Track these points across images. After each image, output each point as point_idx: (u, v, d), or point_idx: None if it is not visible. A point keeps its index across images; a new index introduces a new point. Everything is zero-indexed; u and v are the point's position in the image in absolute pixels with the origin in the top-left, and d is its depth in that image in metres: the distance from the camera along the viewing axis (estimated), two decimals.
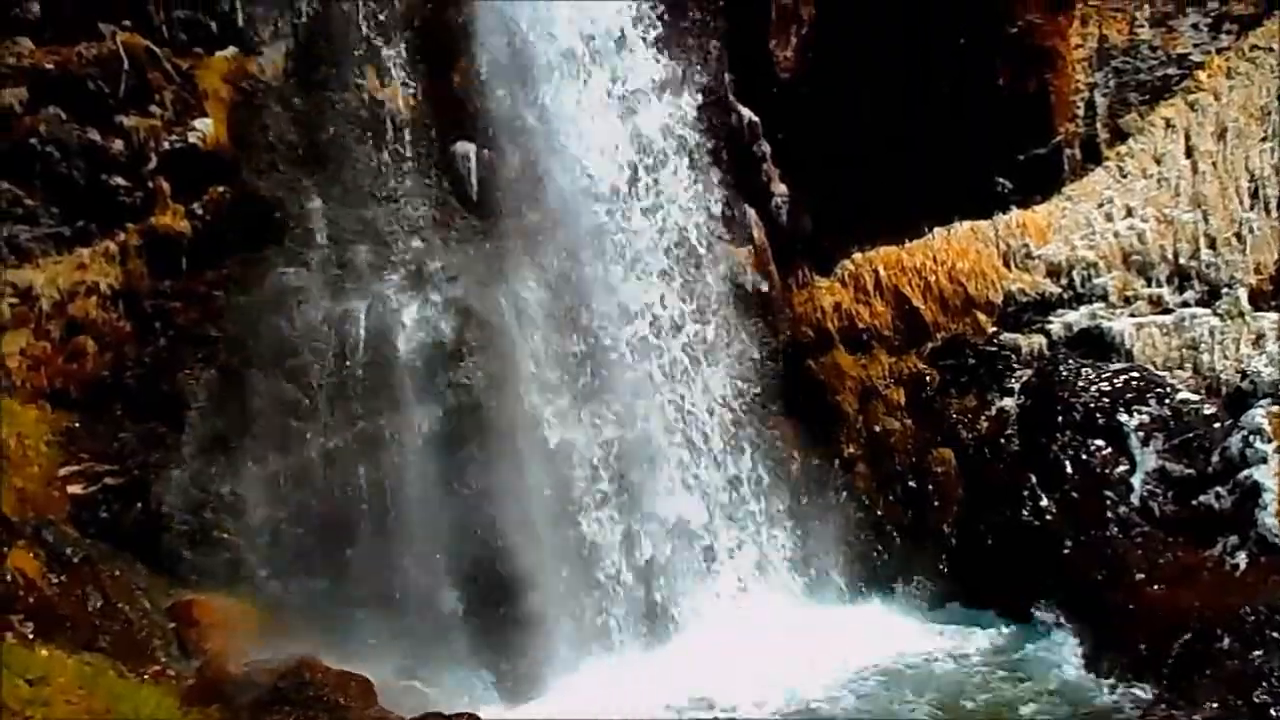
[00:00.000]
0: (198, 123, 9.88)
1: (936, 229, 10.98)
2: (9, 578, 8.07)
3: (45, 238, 9.81)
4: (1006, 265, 10.81)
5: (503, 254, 10.34)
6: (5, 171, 9.72)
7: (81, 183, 9.75)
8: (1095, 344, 10.43)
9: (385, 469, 9.83)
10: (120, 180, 9.80)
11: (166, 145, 9.85)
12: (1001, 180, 11.05)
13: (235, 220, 9.89)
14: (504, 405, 9.96)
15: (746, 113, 11.26)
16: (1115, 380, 10.13)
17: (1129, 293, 10.55)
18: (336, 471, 9.78)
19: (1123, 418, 9.92)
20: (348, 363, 9.87)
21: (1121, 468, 9.85)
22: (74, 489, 9.59)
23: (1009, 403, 10.47)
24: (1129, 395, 10.02)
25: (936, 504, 10.48)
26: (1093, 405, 10.04)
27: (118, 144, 9.79)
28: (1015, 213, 10.97)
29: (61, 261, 9.82)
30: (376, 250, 10.10)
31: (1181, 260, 10.47)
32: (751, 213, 11.09)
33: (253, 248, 9.91)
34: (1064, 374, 10.25)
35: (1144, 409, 9.96)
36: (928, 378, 10.80)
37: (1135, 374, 10.14)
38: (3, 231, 9.77)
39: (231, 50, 9.96)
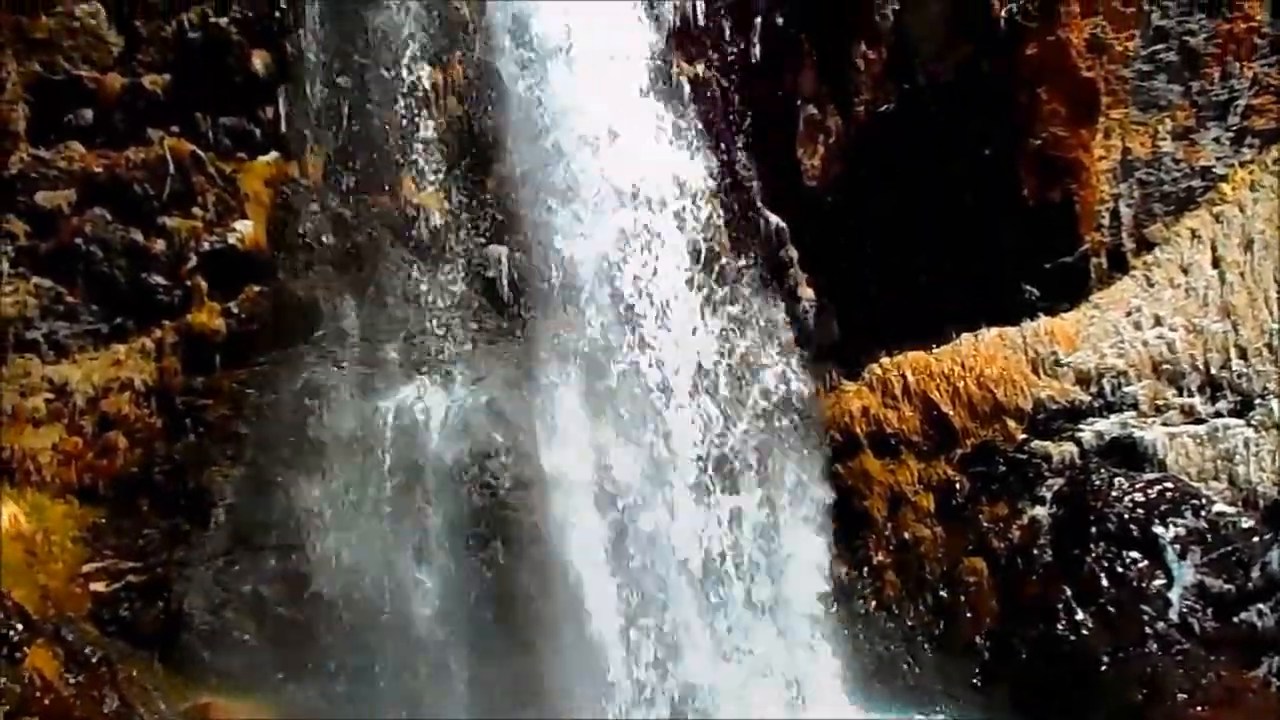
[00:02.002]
0: (237, 224, 9.50)
1: (964, 335, 10.28)
2: (27, 678, 7.36)
3: (84, 334, 9.44)
4: (1035, 372, 10.05)
5: (533, 356, 9.67)
6: (49, 270, 9.29)
7: (122, 281, 9.42)
8: (1127, 453, 9.61)
9: (408, 571, 9.06)
10: (160, 279, 9.43)
11: (206, 245, 9.52)
12: (1028, 288, 10.38)
13: (269, 319, 9.49)
14: (530, 508, 9.16)
15: (774, 219, 10.67)
16: (1149, 491, 9.30)
17: (1160, 402, 9.74)
18: (360, 573, 8.99)
19: (1158, 530, 9.07)
20: (374, 462, 9.20)
21: (1159, 582, 8.99)
22: (96, 586, 9.03)
23: (1041, 512, 9.61)
24: (1164, 507, 9.20)
25: (968, 615, 9.58)
26: (1127, 516, 9.20)
27: (159, 244, 9.46)
28: (1043, 320, 10.26)
29: (98, 357, 9.43)
30: (407, 350, 9.62)
31: (1213, 370, 9.68)
32: (780, 314, 10.38)
33: (285, 346, 9.49)
34: (1096, 484, 9.42)
35: (1180, 521, 9.12)
36: (957, 485, 9.98)
37: (1169, 485, 9.33)
38: (43, 328, 9.26)
39: (273, 155, 9.66)
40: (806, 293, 10.91)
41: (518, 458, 9.55)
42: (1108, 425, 9.86)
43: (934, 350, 10.42)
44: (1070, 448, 9.88)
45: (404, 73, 9.74)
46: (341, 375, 9.48)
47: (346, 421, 9.37)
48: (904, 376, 10.39)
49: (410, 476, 9.39)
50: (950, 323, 10.49)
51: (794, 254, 10.88)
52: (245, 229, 9.53)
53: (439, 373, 9.65)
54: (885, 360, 10.54)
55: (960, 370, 10.24)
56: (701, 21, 10.85)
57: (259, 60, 9.57)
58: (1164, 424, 9.73)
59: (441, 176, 9.90)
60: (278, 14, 9.58)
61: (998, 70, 10.45)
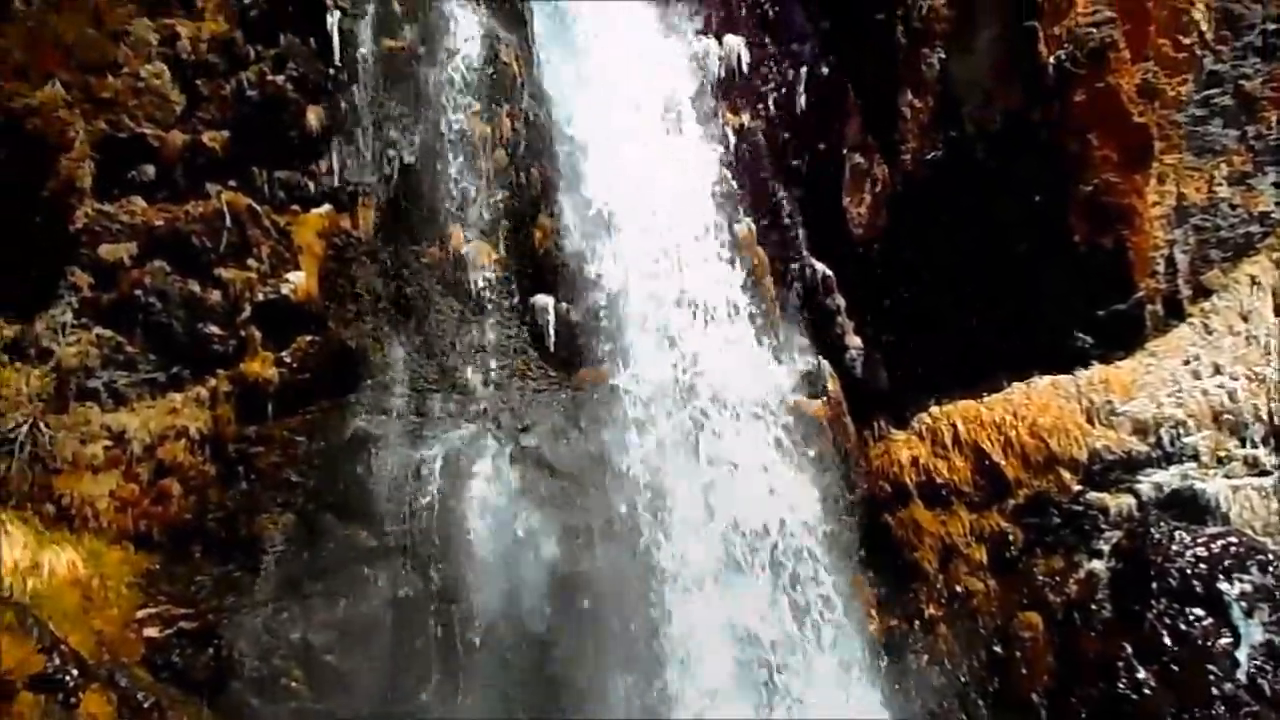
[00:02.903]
0: (290, 275, 9.39)
1: (1016, 383, 9.82)
2: None
3: (142, 383, 9.37)
4: (1090, 422, 9.54)
5: (579, 405, 9.40)
6: (110, 320, 9.27)
7: (179, 331, 9.35)
8: (1188, 506, 9.04)
9: (456, 619, 8.83)
10: (215, 329, 9.33)
11: (260, 296, 9.41)
12: (1082, 335, 9.91)
13: (320, 368, 9.32)
14: (578, 559, 8.83)
15: (820, 267, 10.34)
16: (1212, 545, 8.73)
17: (1222, 453, 9.17)
18: (407, 621, 8.78)
19: (1223, 586, 8.50)
20: (421, 511, 8.97)
21: (1225, 640, 8.42)
22: (150, 632, 8.85)
23: (1099, 565, 9.06)
24: (1228, 562, 8.62)
25: (1024, 672, 9.03)
26: (1189, 572, 8.63)
27: (215, 295, 9.37)
28: (1097, 368, 9.77)
29: (155, 406, 9.33)
30: (454, 399, 9.41)
31: (1277, 420, 9.08)
32: (826, 366, 10.01)
33: (335, 395, 9.31)
34: (1156, 537, 8.86)
35: (1245, 577, 8.54)
36: (1011, 536, 9.46)
37: (1234, 539, 8.75)
38: (103, 377, 9.22)
39: (326, 207, 9.58)
40: (853, 341, 10.54)
41: (565, 508, 9.21)
42: (1167, 477, 9.30)
43: (985, 399, 9.96)
44: (1128, 500, 9.33)
45: (454, 126, 9.59)
46: (390, 424, 9.28)
47: (395, 470, 9.11)
48: (954, 425, 9.94)
49: (457, 527, 9.06)
50: (1001, 371, 10.05)
51: (840, 302, 10.53)
52: (298, 280, 9.42)
53: (486, 422, 9.37)
54: (935, 409, 10.10)
55: (1012, 419, 9.77)
56: (747, 71, 10.63)
57: (313, 116, 9.52)
58: (1226, 476, 9.16)
59: (490, 227, 9.68)
60: (332, 70, 9.52)
61: (1047, 117, 10.07)
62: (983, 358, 10.09)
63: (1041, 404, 9.81)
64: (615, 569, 9.08)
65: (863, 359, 10.47)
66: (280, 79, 9.50)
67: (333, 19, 9.56)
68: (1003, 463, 9.75)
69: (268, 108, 9.48)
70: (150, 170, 9.55)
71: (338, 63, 9.57)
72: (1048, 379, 9.95)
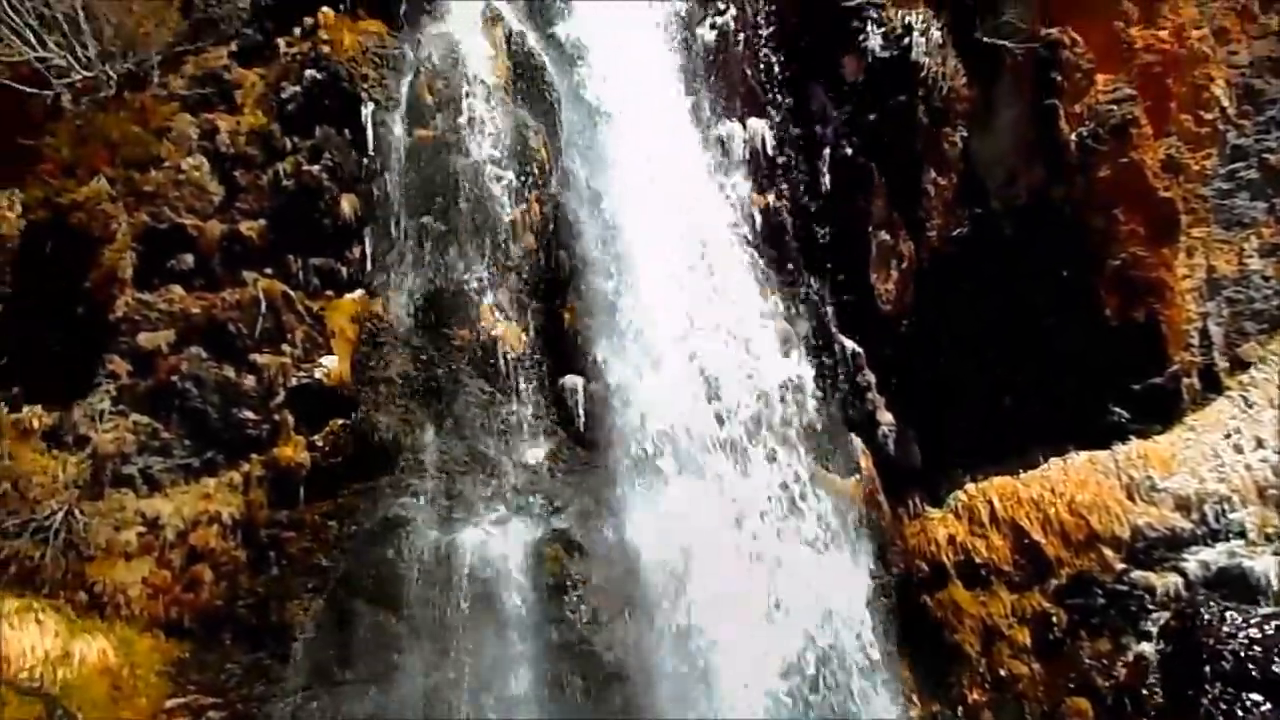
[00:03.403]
0: (324, 360, 9.36)
1: (1052, 459, 9.55)
2: None
3: (176, 468, 9.32)
4: (1130, 498, 9.21)
5: (610, 486, 9.19)
6: (147, 406, 9.20)
7: (214, 416, 9.32)
8: (1238, 585, 8.67)
9: (488, 706, 8.50)
10: (249, 414, 9.27)
11: (294, 381, 9.37)
12: (1117, 410, 9.65)
13: (352, 452, 9.22)
14: (609, 644, 8.54)
15: (849, 344, 10.17)
16: (1266, 626, 8.32)
17: (1270, 529, 8.83)
18: (439, 710, 8.45)
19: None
20: (452, 596, 8.73)
21: None
22: None
23: (1147, 648, 8.64)
24: None
25: None
26: (1244, 654, 8.20)
27: (249, 380, 9.33)
28: (1135, 443, 9.48)
29: (188, 491, 9.26)
30: (485, 481, 9.21)
31: None
32: (858, 443, 9.77)
33: (367, 479, 9.18)
34: (1207, 618, 8.45)
35: None
36: (1054, 617, 9.08)
37: None
38: (139, 463, 9.16)
39: (359, 292, 9.58)
40: (885, 417, 10.31)
41: (596, 591, 8.94)
42: (1214, 555, 8.92)
43: (1021, 475, 9.67)
44: (1175, 579, 8.95)
45: (484, 211, 9.60)
46: (421, 508, 9.12)
47: (426, 554, 8.91)
48: (991, 503, 9.63)
49: (488, 611, 8.82)
50: (1036, 446, 9.81)
51: (871, 378, 10.35)
52: (331, 364, 9.37)
53: (516, 505, 9.19)
54: (971, 486, 9.81)
55: (1050, 496, 9.45)
56: (771, 153, 10.63)
57: (347, 204, 9.58)
58: (1276, 553, 8.75)
59: (520, 310, 9.62)
60: (366, 160, 9.61)
61: (1071, 193, 9.99)
62: (1017, 433, 9.84)
63: (1079, 480, 9.50)
64: (650, 656, 8.75)
65: (895, 435, 10.23)
66: (316, 169, 9.60)
67: (367, 110, 9.69)
68: (1042, 541, 9.41)
69: (303, 197, 9.57)
70: (189, 259, 9.61)
71: (371, 152, 9.66)
72: (1084, 454, 9.66)
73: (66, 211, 9.30)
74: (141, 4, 9.68)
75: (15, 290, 9.35)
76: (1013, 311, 9.89)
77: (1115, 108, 9.83)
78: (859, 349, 10.29)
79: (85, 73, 9.37)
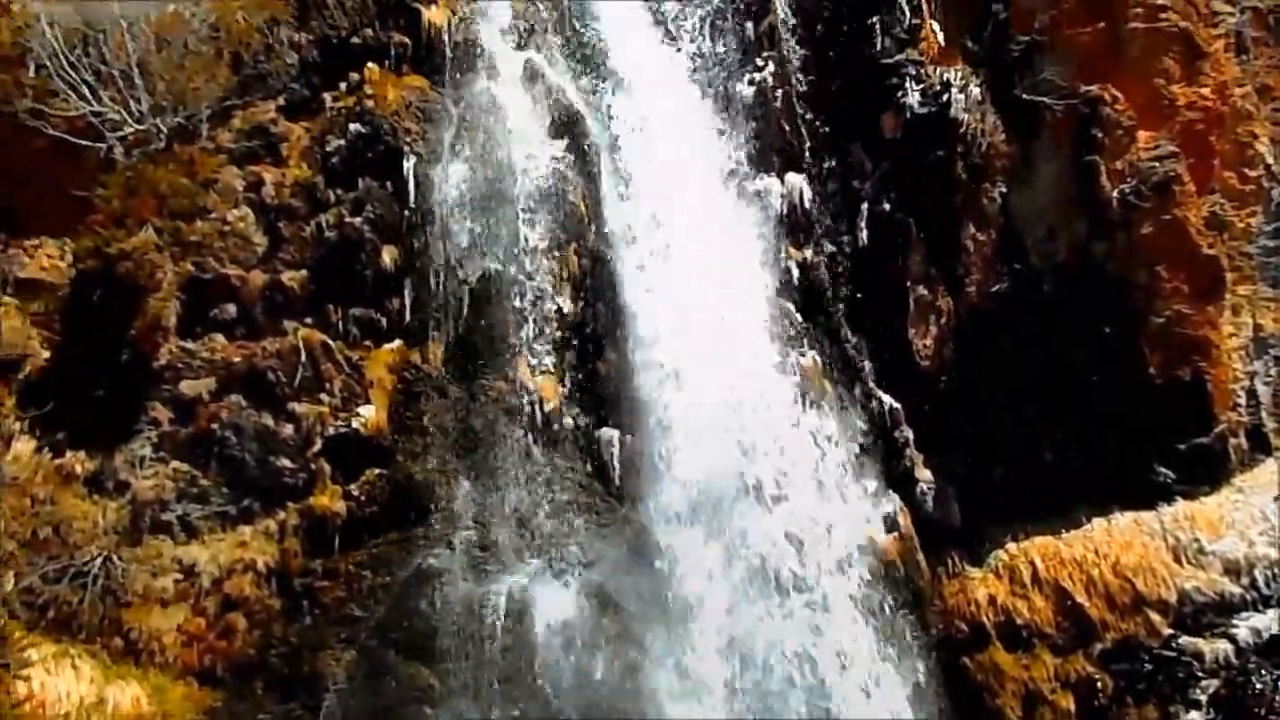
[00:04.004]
0: (361, 409, 9.43)
1: (1096, 519, 9.39)
2: None
3: (213, 516, 9.39)
4: (1177, 561, 9.02)
5: (643, 539, 9.14)
6: (186, 454, 9.28)
7: (251, 464, 9.37)
8: None
9: None
10: (286, 462, 9.35)
11: (331, 430, 9.40)
12: (1162, 469, 9.48)
13: (387, 501, 9.24)
14: (639, 695, 8.44)
15: (887, 399, 10.09)
16: None
17: None
18: None
19: None
20: (484, 647, 8.67)
21: None
22: None
23: (1196, 717, 8.41)
24: None
25: None
26: None
27: (288, 429, 9.41)
28: (1181, 504, 9.29)
29: (225, 539, 9.32)
30: (519, 533, 9.22)
31: None
32: (895, 500, 9.64)
33: (401, 528, 9.20)
34: (1259, 687, 8.23)
35: None
36: (1099, 683, 8.86)
37: None
38: (177, 510, 9.23)
39: (397, 343, 9.62)
40: (924, 474, 10.18)
41: (631, 645, 8.85)
42: (1265, 621, 8.69)
43: (1064, 535, 9.50)
44: (1224, 645, 8.70)
45: (522, 263, 9.68)
46: (454, 558, 9.12)
47: (459, 606, 8.89)
48: (1033, 563, 9.45)
49: (520, 663, 8.75)
50: (1079, 505, 9.66)
51: (909, 434, 10.22)
52: (368, 414, 9.43)
53: (549, 556, 9.14)
54: (1012, 546, 9.64)
55: (1094, 557, 9.27)
56: (808, 208, 10.66)
57: (388, 255, 9.71)
58: None
59: (556, 361, 9.64)
60: (407, 212, 9.73)
61: (1113, 250, 9.91)
62: (1059, 491, 9.69)
63: (1124, 541, 9.31)
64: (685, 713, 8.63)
65: (934, 493, 10.10)
66: (358, 220, 9.74)
67: (409, 163, 9.84)
68: (1086, 603, 9.21)
69: (345, 248, 9.70)
70: (231, 309, 9.75)
71: (412, 204, 9.79)
72: (1129, 515, 9.47)
73: (115, 261, 9.49)
74: (193, 59, 9.94)
75: (63, 337, 9.51)
76: (1053, 368, 9.77)
77: (1157, 164, 9.77)
78: (896, 404, 10.17)
79: (137, 126, 9.62)
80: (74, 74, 9.43)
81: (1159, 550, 9.10)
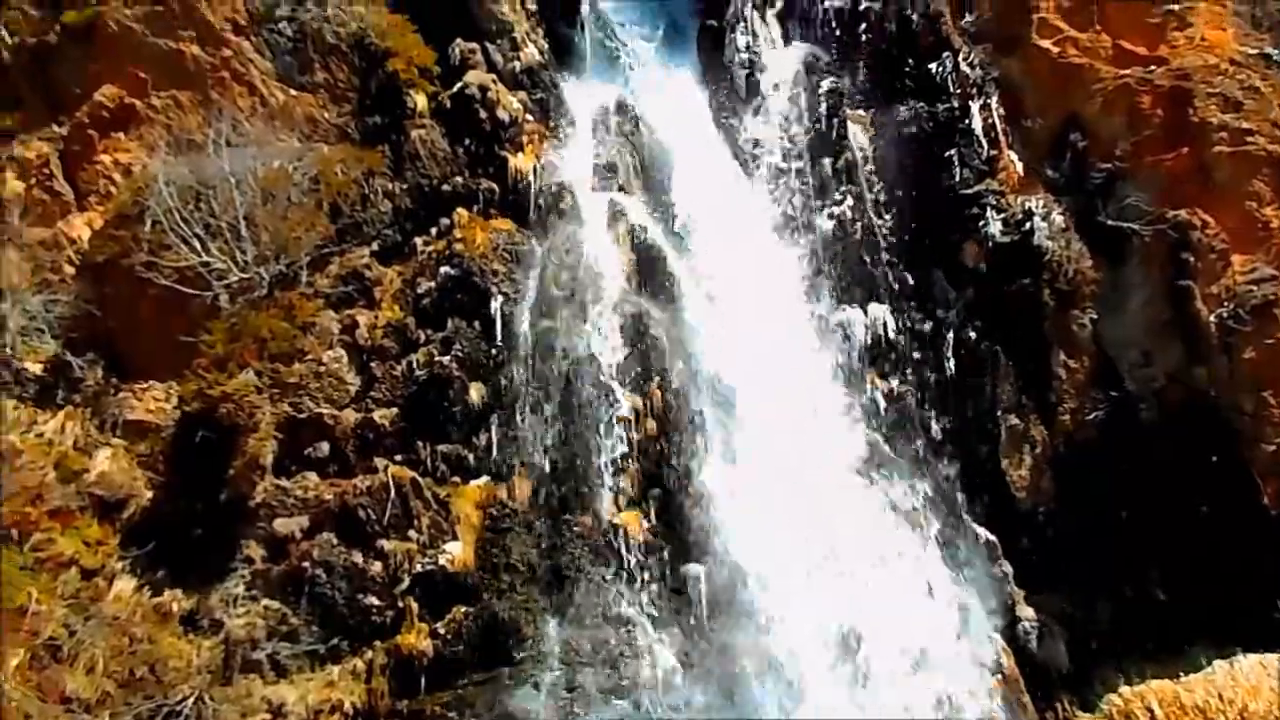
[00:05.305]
0: (448, 546, 9.51)
1: (1216, 662, 8.80)
2: None
3: (302, 655, 9.45)
4: None
5: (735, 680, 8.89)
6: (278, 592, 9.44)
7: (340, 602, 9.43)
8: None
9: None
10: (375, 600, 9.43)
11: (419, 567, 9.46)
12: None
13: (473, 640, 9.21)
14: None
15: (983, 533, 9.78)
16: None
17: None
18: None
19: None
20: None
21: None
22: None
23: None
24: None
25: None
26: None
27: (376, 566, 9.53)
28: None
29: (313, 678, 9.34)
30: (605, 674, 9.00)
31: None
32: (998, 639, 9.24)
33: (487, 668, 9.16)
34: None
35: None
36: None
37: None
38: (267, 648, 9.34)
39: (484, 479, 9.72)
40: (1026, 612, 9.77)
41: None
42: None
43: (1182, 679, 8.93)
44: None
45: (606, 399, 9.80)
46: (541, 700, 8.92)
47: None
48: (1150, 710, 8.89)
49: None
50: (1197, 646, 9.08)
51: (1008, 569, 9.86)
52: (455, 550, 9.50)
53: (637, 699, 8.91)
54: (1125, 690, 9.10)
55: (1218, 703, 8.68)
56: (893, 338, 10.64)
57: (475, 392, 9.92)
58: None
59: (640, 496, 9.64)
60: (494, 350, 9.98)
61: (1214, 376, 9.61)
62: (1174, 631, 9.19)
63: (1250, 686, 8.72)
64: None
65: (1038, 632, 9.65)
66: (447, 359, 10.02)
67: (496, 303, 10.15)
68: None
69: (434, 386, 9.95)
70: (325, 447, 10.02)
71: (499, 343, 10.05)
72: (1253, 657, 8.89)
73: (217, 403, 9.88)
74: (295, 210, 10.52)
75: (166, 478, 9.86)
76: (1160, 499, 9.38)
77: (1255, 288, 9.56)
78: (994, 538, 9.86)
79: (242, 274, 10.15)
80: (186, 227, 10.04)
81: None
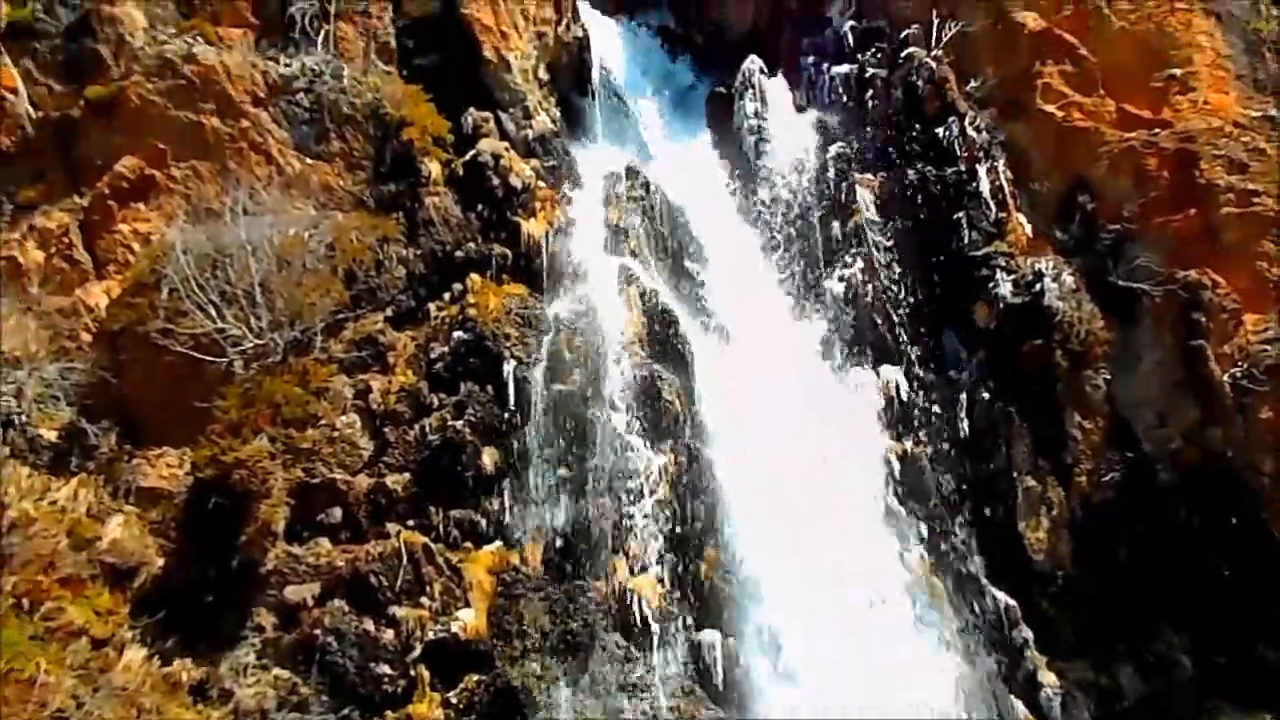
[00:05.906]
0: (460, 613, 9.43)
1: None
2: None
3: None
4: None
5: None
6: (288, 661, 9.34)
7: (351, 671, 9.30)
8: None
9: None
10: (386, 669, 9.31)
11: (431, 634, 9.36)
12: None
13: (486, 709, 9.04)
14: None
15: (1002, 597, 9.67)
16: None
17: None
18: None
19: None
20: None
21: None
22: None
23: None
24: None
25: None
26: None
27: (388, 634, 9.44)
28: None
29: None
30: None
31: None
32: (1020, 708, 9.08)
33: None
34: None
35: None
36: None
37: None
38: (277, 719, 9.16)
39: (497, 544, 9.68)
40: (1048, 678, 9.60)
41: None
42: None
43: None
44: None
45: (619, 462, 9.78)
46: None
47: None
48: None
49: None
50: (1225, 711, 8.93)
51: (1028, 635, 9.72)
52: (467, 618, 9.42)
53: None
54: None
55: None
56: (906, 399, 10.64)
57: (488, 457, 9.92)
58: None
59: (655, 560, 9.57)
60: (507, 414, 10.00)
61: (1230, 435, 9.55)
62: (1200, 695, 9.00)
63: None
64: None
65: (1060, 699, 9.48)
66: (459, 423, 10.03)
67: (509, 367, 10.19)
68: None
69: (447, 450, 9.95)
70: (337, 513, 10.00)
71: (512, 406, 10.06)
72: None
73: (230, 469, 9.88)
74: (310, 277, 10.63)
75: (177, 545, 9.83)
76: (1181, 562, 9.28)
77: (1268, 348, 9.56)
78: (1012, 602, 9.74)
79: (257, 341, 10.22)
80: (202, 294, 10.15)
81: None
